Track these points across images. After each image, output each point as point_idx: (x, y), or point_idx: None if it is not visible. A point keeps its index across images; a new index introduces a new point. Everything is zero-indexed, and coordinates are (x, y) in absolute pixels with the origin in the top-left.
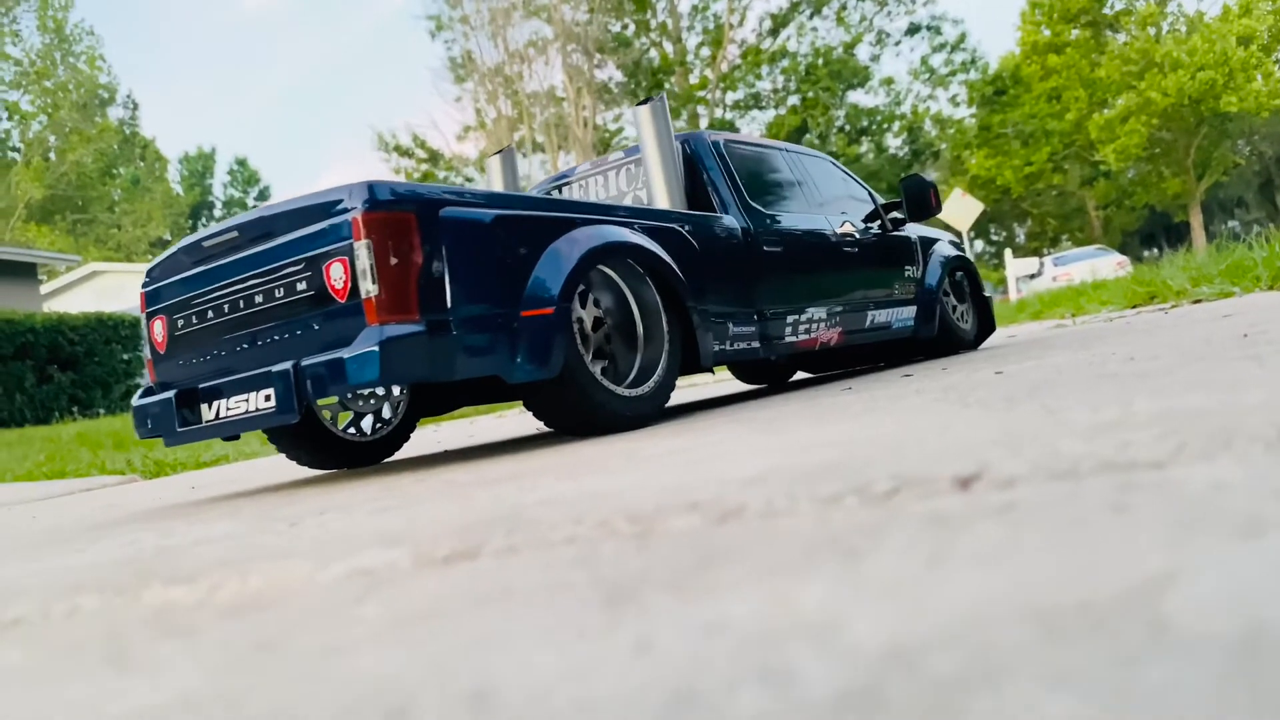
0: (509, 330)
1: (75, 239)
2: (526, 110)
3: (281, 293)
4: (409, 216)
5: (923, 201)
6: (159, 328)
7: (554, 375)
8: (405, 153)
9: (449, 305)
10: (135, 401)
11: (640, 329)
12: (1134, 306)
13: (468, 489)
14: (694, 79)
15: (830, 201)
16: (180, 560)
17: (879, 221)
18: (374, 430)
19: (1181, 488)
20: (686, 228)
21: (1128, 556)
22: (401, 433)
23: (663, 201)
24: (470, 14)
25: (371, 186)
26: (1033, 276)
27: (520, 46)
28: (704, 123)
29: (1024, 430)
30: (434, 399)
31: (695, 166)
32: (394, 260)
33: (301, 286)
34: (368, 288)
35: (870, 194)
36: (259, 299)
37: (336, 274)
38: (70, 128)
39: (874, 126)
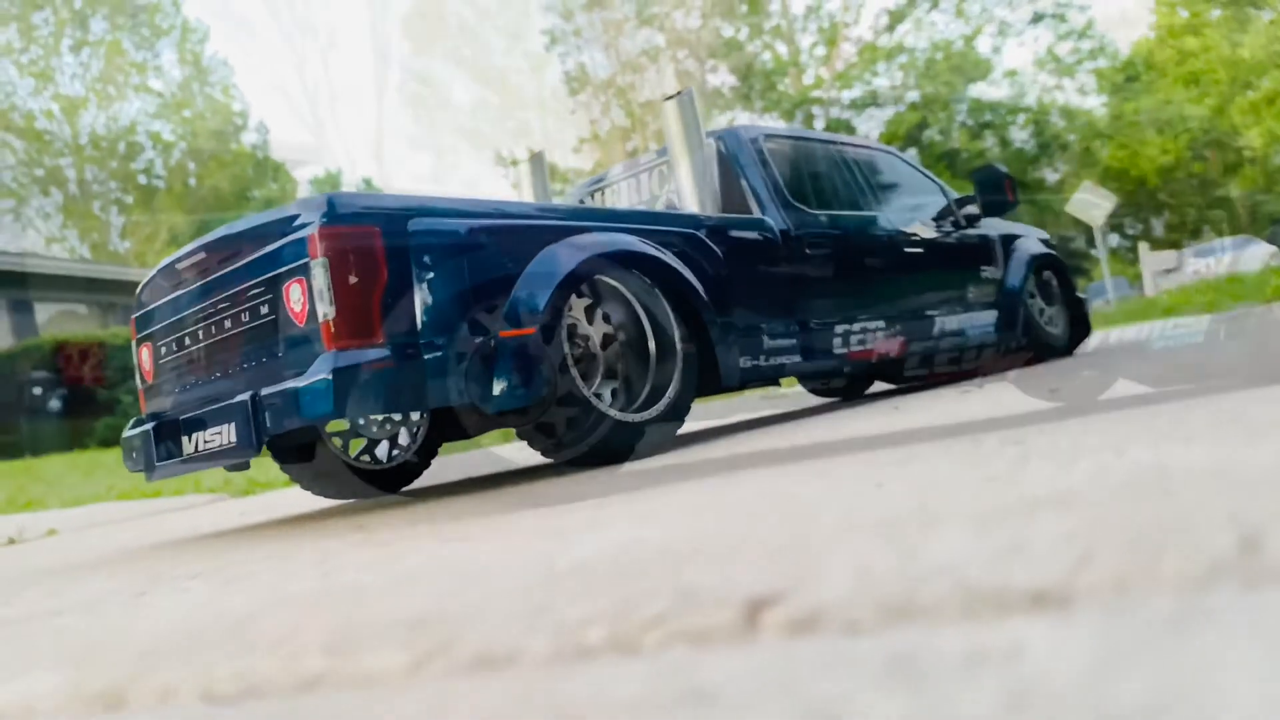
0: (486, 353)
1: None
2: (639, 119)
3: (247, 317)
4: (372, 231)
5: (998, 195)
6: (146, 356)
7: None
8: None
9: (418, 327)
10: (124, 433)
11: (652, 346)
12: (1269, 302)
13: (327, 559)
14: (808, 79)
15: (893, 199)
16: None
17: (951, 219)
18: (389, 458)
19: (971, 688)
20: (706, 232)
21: None
22: (422, 459)
23: (692, 203)
24: (583, 26)
25: (331, 200)
26: (1170, 271)
27: (633, 56)
28: (820, 124)
29: (945, 500)
30: (457, 423)
31: (731, 166)
32: (354, 280)
33: (264, 310)
34: (324, 310)
35: (943, 189)
36: (228, 324)
37: (295, 296)
38: (208, 155)
39: (998, 120)
